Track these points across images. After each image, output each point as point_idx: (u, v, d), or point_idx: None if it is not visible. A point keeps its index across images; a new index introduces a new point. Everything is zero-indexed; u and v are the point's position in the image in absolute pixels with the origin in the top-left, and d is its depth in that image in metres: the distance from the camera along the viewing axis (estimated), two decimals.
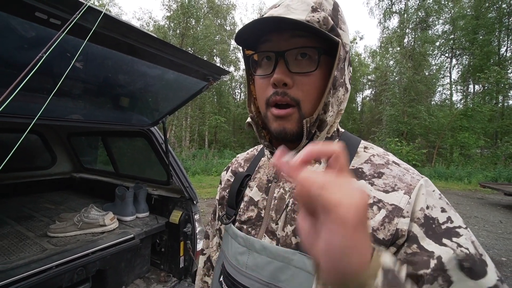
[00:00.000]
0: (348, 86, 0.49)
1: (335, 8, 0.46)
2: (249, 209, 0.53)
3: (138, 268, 1.43)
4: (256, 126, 0.51)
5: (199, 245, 1.57)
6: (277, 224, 0.47)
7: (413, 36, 16.14)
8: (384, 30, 18.25)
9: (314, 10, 0.43)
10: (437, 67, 16.72)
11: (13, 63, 0.84)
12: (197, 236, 1.49)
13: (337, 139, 0.51)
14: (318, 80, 0.44)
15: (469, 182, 9.09)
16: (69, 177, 2.52)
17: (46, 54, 0.54)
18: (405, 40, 16.24)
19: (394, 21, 26.93)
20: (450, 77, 17.76)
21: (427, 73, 16.11)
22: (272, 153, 0.53)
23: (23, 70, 0.58)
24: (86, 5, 0.65)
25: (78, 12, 0.64)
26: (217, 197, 0.67)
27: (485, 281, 0.33)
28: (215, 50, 17.38)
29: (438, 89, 17.29)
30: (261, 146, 0.65)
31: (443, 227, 0.37)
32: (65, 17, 0.65)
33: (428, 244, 0.36)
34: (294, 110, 0.44)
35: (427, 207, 0.39)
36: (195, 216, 1.49)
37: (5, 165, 0.63)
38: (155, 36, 0.92)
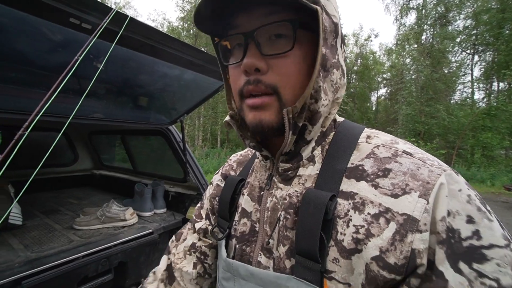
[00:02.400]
0: (343, 66, 0.40)
1: None
2: (241, 222, 0.45)
3: (156, 262, 1.47)
4: (237, 125, 0.41)
5: None
6: (273, 239, 0.39)
7: (431, 33, 15.58)
8: (401, 27, 17.73)
9: None
10: (458, 64, 15.99)
11: (48, 66, 0.90)
12: None
13: (333, 132, 0.42)
14: (299, 61, 0.36)
15: (492, 184, 8.65)
16: (90, 174, 2.63)
17: (81, 57, 0.58)
18: (423, 37, 15.70)
19: (411, 18, 26.14)
20: (472, 74, 16.95)
21: (446, 71, 15.46)
22: (263, 156, 0.44)
23: (57, 72, 0.63)
24: (115, 10, 0.69)
25: (107, 17, 0.68)
26: (205, 205, 0.58)
27: None
28: None
29: (458, 88, 16.54)
30: None
31: (465, 244, 0.28)
32: (96, 22, 0.69)
33: (446, 269, 0.27)
34: (271, 99, 0.36)
35: (449, 214, 0.29)
36: None
37: (31, 162, 0.68)
38: (176, 37, 0.95)
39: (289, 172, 0.41)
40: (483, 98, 16.31)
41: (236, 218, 0.46)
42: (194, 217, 0.59)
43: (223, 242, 0.45)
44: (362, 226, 0.32)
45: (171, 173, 1.84)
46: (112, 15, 0.68)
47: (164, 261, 0.56)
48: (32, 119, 0.45)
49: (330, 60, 0.36)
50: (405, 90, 15.23)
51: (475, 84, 16.81)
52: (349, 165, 0.37)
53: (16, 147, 0.42)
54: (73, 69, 0.56)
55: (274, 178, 0.43)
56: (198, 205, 0.61)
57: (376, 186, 0.33)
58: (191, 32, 16.69)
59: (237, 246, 0.43)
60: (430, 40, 15.39)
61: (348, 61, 22.97)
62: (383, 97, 27.18)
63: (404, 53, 17.64)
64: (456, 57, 16.56)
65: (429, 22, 15.43)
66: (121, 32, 0.73)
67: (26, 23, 0.70)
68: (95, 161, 2.71)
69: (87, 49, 0.65)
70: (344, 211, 0.34)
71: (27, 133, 0.43)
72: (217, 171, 0.60)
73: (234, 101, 0.43)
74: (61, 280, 0.96)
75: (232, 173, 0.54)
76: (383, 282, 0.29)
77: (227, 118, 0.42)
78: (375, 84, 25.77)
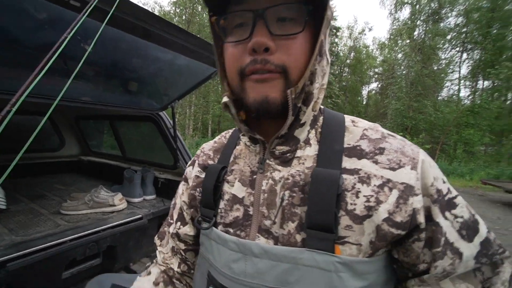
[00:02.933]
0: (328, 57, 0.42)
1: None
2: (233, 208, 0.45)
3: (145, 247, 1.49)
4: (235, 106, 0.42)
5: None
6: (271, 220, 0.41)
7: (424, 29, 15.74)
8: (394, 22, 17.82)
9: None
10: (447, 61, 16.33)
11: (33, 44, 0.86)
12: None
13: (321, 116, 0.46)
14: (305, 44, 0.37)
15: (471, 179, 9.07)
16: (77, 160, 2.58)
17: (70, 36, 0.56)
18: (415, 33, 15.85)
19: (405, 12, 26.25)
20: (459, 72, 17.38)
21: (435, 68, 15.78)
22: (252, 139, 0.45)
23: (43, 52, 0.61)
24: None
25: None
26: (183, 199, 0.56)
27: (478, 238, 0.37)
28: None
29: (446, 84, 16.96)
30: (229, 132, 0.57)
31: (446, 198, 0.37)
32: None
33: (439, 219, 0.37)
34: (278, 76, 0.37)
35: (435, 179, 0.38)
36: None
37: (16, 146, 0.66)
38: (170, 21, 0.93)
39: (288, 154, 0.43)
40: (468, 96, 16.86)
41: (222, 205, 0.47)
42: (168, 218, 0.60)
43: (213, 229, 0.46)
44: (372, 196, 0.37)
45: (161, 159, 1.82)
46: None
47: (154, 272, 0.58)
48: (17, 98, 0.43)
49: (324, 47, 0.38)
50: (395, 85, 15.48)
51: (462, 81, 17.29)
52: (346, 145, 0.41)
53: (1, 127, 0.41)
54: (60, 49, 0.54)
55: (268, 161, 0.44)
56: (172, 204, 0.61)
57: (376, 162, 0.39)
58: (184, 18, 16.14)
59: (230, 231, 0.44)
60: (422, 36, 15.56)
61: (341, 54, 22.99)
62: (374, 91, 27.54)
63: (397, 48, 17.79)
64: (445, 54, 16.90)
65: (422, 18, 15.56)
66: (112, 11, 0.71)
67: (20, 3, 0.67)
68: (83, 146, 2.65)
69: (75, 28, 0.62)
70: (351, 185, 0.38)
71: (13, 109, 0.42)
72: (189, 164, 0.58)
73: (228, 84, 0.42)
74: (48, 262, 0.95)
75: (211, 162, 0.53)
76: (390, 238, 0.37)
77: (225, 99, 0.41)
78: (367, 78, 26.01)
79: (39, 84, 0.56)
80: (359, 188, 0.38)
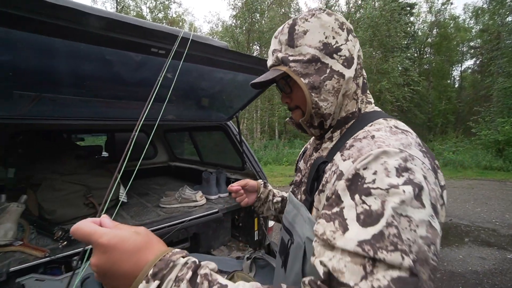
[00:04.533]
0: (343, 71, 0.56)
1: (290, 32, 0.58)
2: (297, 175, 0.73)
3: (222, 237, 1.76)
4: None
5: (271, 223, 1.79)
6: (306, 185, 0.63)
7: None
8: None
9: (274, 51, 0.61)
10: None
11: (135, 84, 1.21)
12: None
13: (352, 121, 0.60)
14: (301, 93, 0.59)
15: None
16: (166, 165, 3.15)
17: (163, 75, 0.80)
18: None
19: None
20: None
21: None
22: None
23: (142, 88, 0.87)
24: (180, 36, 0.90)
25: (175, 42, 0.89)
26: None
27: (372, 229, 0.38)
28: None
29: None
30: None
31: (364, 186, 0.42)
32: (167, 48, 0.92)
33: (344, 195, 0.44)
34: (298, 110, 0.64)
35: (364, 168, 0.43)
36: None
37: (129, 156, 0.96)
38: (227, 48, 1.13)
39: (318, 145, 0.66)
40: None
41: (296, 173, 0.75)
42: None
43: (291, 186, 0.75)
44: (326, 178, 0.53)
45: (231, 162, 2.09)
46: (178, 41, 0.89)
47: None
48: (138, 124, 0.68)
49: (317, 81, 0.56)
50: (503, 57, 12.25)
51: None
52: (346, 143, 0.54)
53: (131, 145, 0.65)
54: (158, 85, 0.79)
55: (313, 150, 0.69)
56: None
57: (342, 155, 0.51)
58: (244, 28, 17.14)
59: (293, 188, 0.72)
60: None
61: (420, 33, 19.82)
62: (470, 71, 22.55)
63: (503, 10, 13.99)
64: None
65: None
66: (185, 52, 0.94)
67: (125, 57, 0.98)
68: (170, 154, 3.23)
69: (165, 69, 0.87)
70: (327, 169, 0.54)
71: (136, 134, 0.66)
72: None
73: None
74: None
75: (308, 145, 0.81)
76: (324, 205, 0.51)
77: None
78: (458, 55, 21.50)
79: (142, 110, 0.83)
80: (326, 172, 0.54)
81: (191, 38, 0.95)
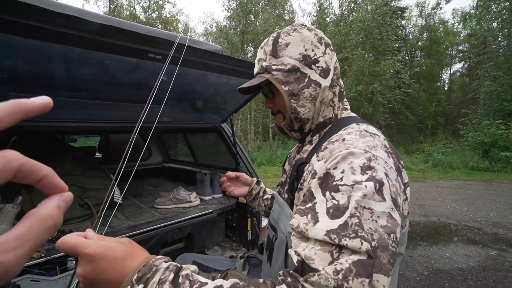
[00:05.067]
0: (320, 80, 0.63)
1: (274, 44, 0.65)
2: (282, 176, 0.80)
3: (215, 237, 1.79)
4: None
5: (264, 222, 1.83)
6: (288, 185, 0.70)
7: None
8: None
9: (260, 60, 0.68)
10: None
11: (130, 87, 1.24)
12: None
13: (329, 126, 0.68)
14: (282, 98, 0.66)
15: None
16: (161, 167, 3.15)
17: (160, 79, 0.83)
18: None
19: None
20: None
21: None
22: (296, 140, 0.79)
23: (138, 91, 0.91)
24: (176, 42, 0.93)
25: (172, 48, 0.92)
26: None
27: (339, 220, 0.44)
28: None
29: None
30: None
31: (333, 183, 0.48)
32: (164, 53, 0.95)
33: (316, 192, 0.50)
34: (280, 114, 0.72)
35: (334, 168, 0.50)
36: None
37: (125, 158, 0.98)
38: (222, 52, 1.17)
39: (300, 148, 0.73)
40: None
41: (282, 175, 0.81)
42: None
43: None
44: (304, 177, 0.59)
45: (225, 163, 2.12)
46: (175, 47, 0.93)
47: None
48: (137, 126, 0.71)
49: (296, 89, 0.63)
50: (490, 61, 12.61)
51: None
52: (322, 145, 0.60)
53: (130, 147, 0.68)
54: (156, 89, 0.82)
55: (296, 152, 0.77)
56: None
57: (317, 156, 0.58)
58: (238, 29, 17.18)
59: (279, 188, 0.79)
60: None
61: (411, 36, 20.24)
62: (458, 74, 23.14)
63: (489, 16, 14.42)
64: None
65: None
66: (181, 57, 0.98)
67: (122, 62, 1.01)
68: (164, 156, 3.24)
69: (162, 73, 0.91)
70: (305, 170, 0.60)
71: (135, 136, 0.70)
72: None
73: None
74: (150, 241, 1.31)
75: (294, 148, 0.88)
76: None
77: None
78: (447, 59, 22.06)
79: (138, 113, 0.86)
80: (305, 172, 0.60)
81: (187, 43, 0.99)
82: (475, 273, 2.44)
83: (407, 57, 19.63)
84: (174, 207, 1.73)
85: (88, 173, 1.64)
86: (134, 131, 0.69)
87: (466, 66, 21.62)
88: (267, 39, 0.68)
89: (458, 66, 23.13)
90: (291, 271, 0.45)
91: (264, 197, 1.02)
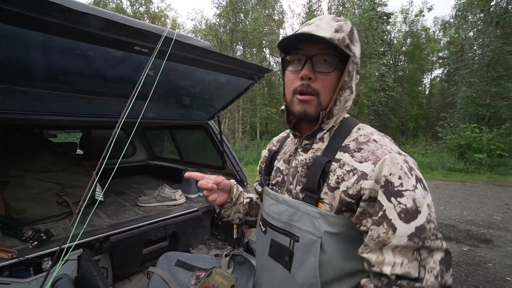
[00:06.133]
0: (354, 88, 0.65)
1: (352, 30, 0.62)
2: (277, 175, 0.75)
3: (201, 236, 1.77)
4: (286, 112, 0.70)
5: None
6: (292, 184, 0.68)
7: None
8: None
9: (336, 31, 0.59)
10: None
11: (114, 81, 1.20)
12: None
13: (338, 124, 0.67)
14: (333, 80, 0.62)
15: None
16: (146, 164, 3.08)
17: (145, 73, 0.81)
18: (492, 3, 13.15)
19: None
20: None
21: None
22: (294, 135, 0.74)
23: (122, 85, 0.88)
24: (164, 36, 0.91)
25: (159, 42, 0.90)
26: (258, 169, 0.93)
27: (415, 223, 0.50)
28: (264, 42, 17.52)
29: None
30: (288, 131, 0.85)
31: (395, 189, 0.52)
32: (151, 46, 0.93)
33: (382, 200, 0.53)
34: (314, 98, 0.62)
35: (390, 174, 0.53)
36: None
37: (106, 154, 0.95)
38: (210, 48, 1.15)
39: (307, 145, 0.69)
40: None
41: (273, 174, 0.77)
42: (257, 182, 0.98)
43: (266, 187, 0.77)
44: (340, 176, 0.58)
45: (212, 161, 2.10)
46: (162, 40, 0.90)
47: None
48: (120, 122, 0.69)
49: (347, 84, 0.62)
50: (466, 68, 13.28)
51: None
52: (343, 144, 0.62)
53: (112, 143, 0.66)
54: (141, 83, 0.80)
55: (298, 150, 0.71)
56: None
57: (352, 156, 0.58)
58: (227, 27, 17.03)
59: (274, 188, 0.74)
60: (504, 4, 12.73)
61: (395, 41, 20.90)
62: (438, 79, 24.18)
63: (466, 26, 15.18)
64: None
65: None
66: (169, 51, 0.96)
67: (106, 54, 0.98)
68: (149, 153, 3.17)
69: (148, 67, 0.88)
70: (334, 168, 0.60)
71: (117, 132, 0.67)
72: (265, 148, 0.93)
73: (286, 95, 0.68)
74: (133, 239, 1.28)
75: (273, 148, 0.86)
76: (346, 203, 0.57)
77: (283, 107, 0.70)
78: (429, 64, 22.99)
79: (121, 108, 0.83)
80: (336, 171, 0.60)
81: (174, 37, 0.96)
82: None
83: (391, 61, 20.27)
84: (158, 205, 1.69)
85: (68, 170, 1.57)
86: (116, 127, 0.67)
87: (445, 72, 22.63)
88: (330, 17, 0.63)
89: (438, 71, 24.23)
90: (395, 284, 0.50)
91: (244, 202, 0.93)
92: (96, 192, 1.62)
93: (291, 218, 0.64)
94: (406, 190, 0.52)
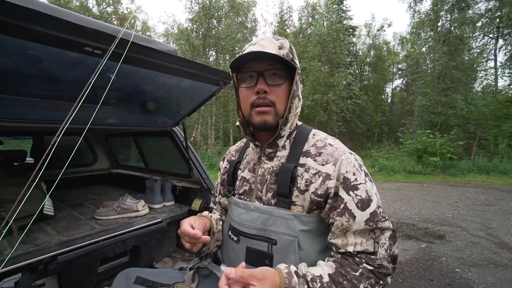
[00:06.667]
0: (300, 96, 0.74)
1: (291, 46, 0.71)
2: (243, 185, 0.78)
3: (166, 248, 1.68)
4: (242, 126, 0.76)
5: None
6: (261, 192, 0.73)
7: (448, 19, 14.78)
8: (415, 15, 16.96)
9: (280, 48, 0.68)
10: (479, 50, 15.08)
11: (68, 84, 1.10)
12: None
13: (295, 131, 0.76)
14: (285, 90, 0.70)
15: None
16: (108, 173, 2.88)
17: (95, 76, 0.75)
18: (439, 24, 14.88)
19: (426, 4, 24.92)
20: (495, 60, 16.00)
21: (466, 58, 14.64)
22: (255, 145, 0.78)
23: (77, 87, 0.80)
24: (119, 37, 0.86)
25: (113, 43, 0.84)
26: (219, 180, 0.94)
27: (369, 210, 0.63)
28: (237, 48, 17.62)
29: (480, 75, 15.65)
30: (244, 140, 0.90)
31: (351, 184, 0.64)
32: (104, 48, 0.87)
33: (343, 194, 0.64)
34: (271, 109, 0.68)
35: (346, 172, 0.65)
36: None
37: (60, 163, 0.86)
38: (176, 52, 1.11)
39: (271, 154, 0.75)
40: (509, 85, 15.29)
41: (238, 184, 0.80)
42: (214, 193, 0.99)
43: (232, 197, 0.80)
44: (309, 179, 0.67)
45: (178, 169, 2.02)
46: (117, 41, 0.85)
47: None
48: (62, 127, 0.62)
49: (296, 92, 0.70)
50: (420, 80, 14.66)
51: (500, 70, 15.85)
52: (304, 150, 0.71)
53: (52, 150, 0.59)
54: (89, 87, 0.74)
55: (262, 158, 0.77)
56: (215, 185, 0.98)
57: (315, 160, 0.68)
58: (200, 33, 16.87)
59: (242, 197, 0.77)
60: (448, 27, 14.54)
61: (361, 52, 22.38)
62: (398, 88, 26.28)
63: (420, 42, 16.85)
64: (477, 43, 15.64)
65: (445, 8, 14.62)
66: (124, 53, 0.90)
67: (54, 54, 0.89)
68: (112, 161, 2.96)
69: (99, 70, 0.82)
70: (301, 173, 0.68)
71: (59, 138, 0.60)
72: (221, 160, 0.96)
73: (241, 111, 0.75)
74: (87, 257, 1.16)
75: (233, 158, 0.88)
76: (316, 202, 0.66)
77: (238, 123, 0.77)
78: (390, 75, 24.93)
79: (77, 112, 0.76)
80: (303, 175, 0.68)
81: (131, 39, 0.91)
82: (410, 265, 2.73)
83: (357, 71, 21.62)
84: (118, 218, 1.57)
85: (9, 182, 1.39)
86: (59, 132, 0.60)
87: (404, 82, 24.64)
88: (276, 37, 0.71)
89: (398, 82, 26.24)
90: (356, 257, 0.63)
91: (219, 228, 0.88)
92: (46, 206, 1.47)
93: (265, 223, 0.69)
94: (360, 183, 0.64)
